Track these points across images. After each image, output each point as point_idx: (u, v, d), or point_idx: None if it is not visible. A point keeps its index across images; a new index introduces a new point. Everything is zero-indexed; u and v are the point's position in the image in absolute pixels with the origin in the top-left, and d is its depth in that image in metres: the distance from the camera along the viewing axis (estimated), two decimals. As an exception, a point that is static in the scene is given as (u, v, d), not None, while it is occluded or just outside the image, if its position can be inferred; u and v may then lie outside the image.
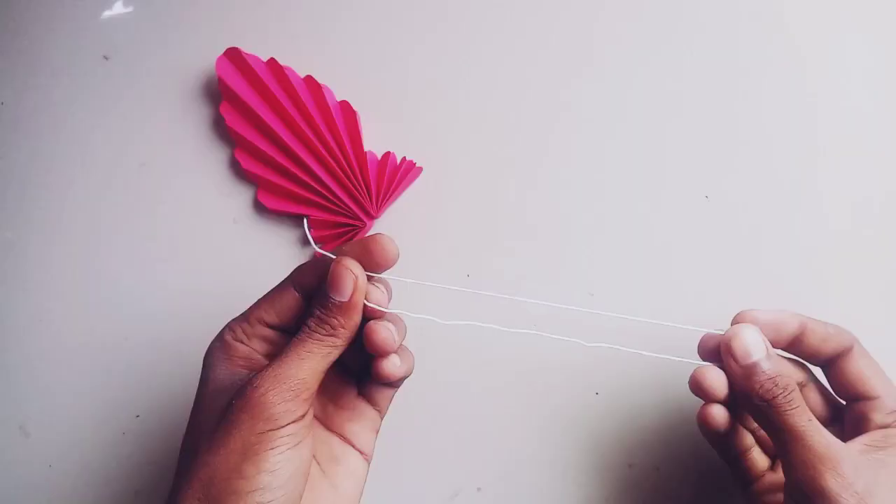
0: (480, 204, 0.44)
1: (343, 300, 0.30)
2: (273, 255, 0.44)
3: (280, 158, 0.43)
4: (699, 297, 0.43)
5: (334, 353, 0.30)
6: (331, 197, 0.43)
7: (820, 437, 0.30)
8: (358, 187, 0.43)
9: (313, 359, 0.29)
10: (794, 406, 0.30)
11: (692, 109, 0.44)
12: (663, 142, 0.44)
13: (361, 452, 0.34)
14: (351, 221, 0.43)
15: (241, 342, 0.32)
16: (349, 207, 0.43)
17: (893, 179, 0.44)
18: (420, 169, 0.44)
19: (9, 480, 0.43)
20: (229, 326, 0.32)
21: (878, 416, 0.32)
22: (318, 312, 0.30)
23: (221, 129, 0.45)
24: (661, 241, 0.43)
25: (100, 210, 0.45)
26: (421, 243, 0.44)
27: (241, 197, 0.45)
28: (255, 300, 0.33)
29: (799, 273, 0.43)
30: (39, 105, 0.46)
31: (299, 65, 0.44)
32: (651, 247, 0.43)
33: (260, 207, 0.44)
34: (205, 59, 0.45)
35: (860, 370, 0.33)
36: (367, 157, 0.43)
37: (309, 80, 0.43)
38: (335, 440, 0.33)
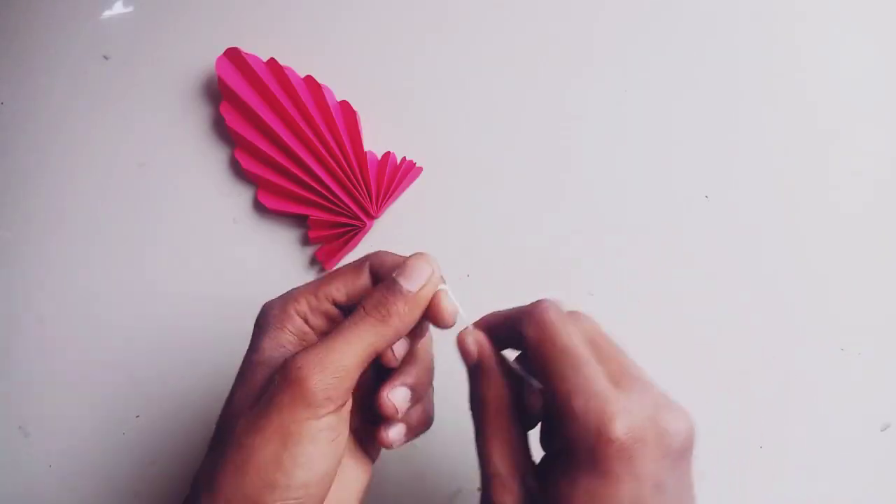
0: (480, 204, 0.44)
1: (411, 290, 0.28)
2: (273, 255, 0.44)
3: (280, 158, 0.43)
4: (699, 296, 0.43)
5: (381, 344, 0.28)
6: (331, 197, 0.43)
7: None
8: (358, 187, 0.43)
9: (360, 345, 0.27)
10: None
11: (692, 110, 0.44)
12: (663, 142, 0.44)
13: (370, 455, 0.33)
14: (351, 221, 0.43)
15: (303, 316, 0.30)
16: (349, 207, 0.43)
17: (893, 178, 0.44)
18: (420, 169, 0.44)
19: (9, 480, 0.43)
20: (293, 297, 0.30)
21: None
22: (377, 294, 0.28)
23: (221, 129, 0.45)
24: (661, 240, 0.43)
25: (99, 210, 0.45)
26: (421, 243, 0.44)
27: (241, 197, 0.45)
28: (320, 277, 0.31)
29: (799, 273, 0.43)
30: (39, 105, 0.46)
31: (299, 65, 0.44)
32: (651, 246, 0.43)
33: (260, 207, 0.44)
34: (205, 59, 0.45)
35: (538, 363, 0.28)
36: (367, 157, 0.43)
37: (309, 80, 0.43)
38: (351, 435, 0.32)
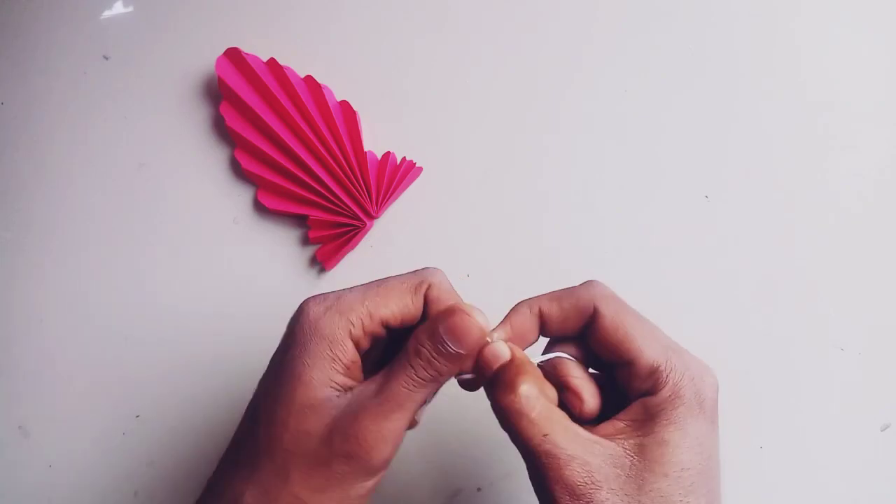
0: (480, 204, 0.44)
1: (461, 353, 0.28)
2: (273, 255, 0.44)
3: (280, 158, 0.43)
4: (699, 296, 0.43)
5: (425, 399, 0.28)
6: (331, 197, 0.43)
7: (554, 456, 0.26)
8: (358, 187, 0.43)
9: (413, 406, 0.27)
10: (521, 424, 0.27)
11: (692, 110, 0.44)
12: (663, 142, 0.44)
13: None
14: (351, 221, 0.43)
15: (356, 341, 0.28)
16: (349, 207, 0.43)
17: (893, 178, 0.44)
18: (420, 169, 0.44)
19: (9, 480, 0.43)
20: (349, 319, 0.28)
21: (636, 384, 0.28)
22: (426, 353, 0.27)
23: (221, 129, 0.45)
24: (661, 240, 0.43)
25: (99, 210, 0.45)
26: (421, 243, 0.44)
27: (241, 197, 0.45)
28: (372, 289, 0.29)
29: (799, 273, 0.43)
30: (39, 105, 0.46)
31: (299, 65, 0.44)
32: (651, 246, 0.43)
33: (260, 207, 0.44)
34: (205, 59, 0.45)
35: (607, 336, 0.29)
36: (367, 157, 0.43)
37: (309, 80, 0.43)
38: None
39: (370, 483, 0.28)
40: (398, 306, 0.29)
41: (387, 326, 0.29)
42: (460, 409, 0.42)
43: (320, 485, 0.26)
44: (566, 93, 0.45)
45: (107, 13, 0.46)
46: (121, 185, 0.45)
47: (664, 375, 0.27)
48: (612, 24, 0.45)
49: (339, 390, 0.28)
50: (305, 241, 0.44)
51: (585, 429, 0.28)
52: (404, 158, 0.44)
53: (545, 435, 0.27)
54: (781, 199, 0.44)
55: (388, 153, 0.43)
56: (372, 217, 0.43)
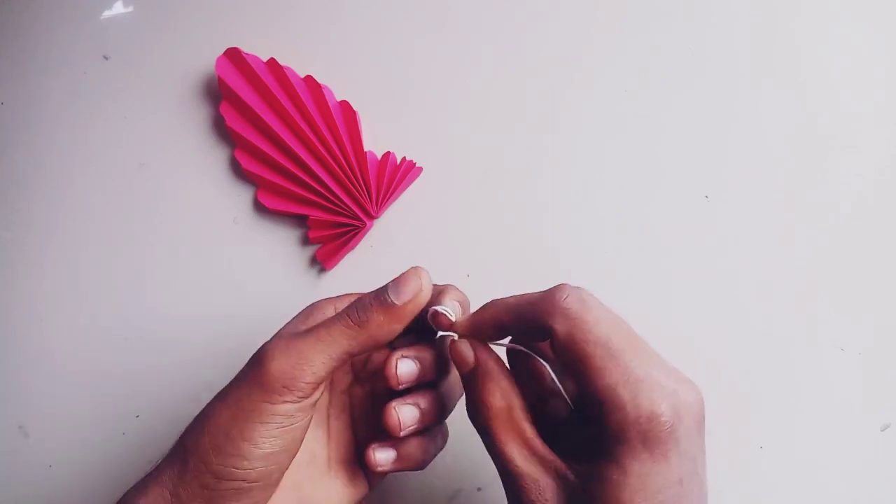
0: (480, 204, 0.44)
1: (395, 303, 0.28)
2: (273, 255, 0.44)
3: (280, 158, 0.43)
4: (699, 296, 0.43)
5: (355, 348, 0.28)
6: (331, 197, 0.43)
7: (508, 471, 0.27)
8: (358, 187, 0.43)
9: (331, 345, 0.28)
10: (490, 429, 0.28)
11: (692, 110, 0.44)
12: (663, 142, 0.44)
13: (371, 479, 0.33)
14: (351, 221, 0.43)
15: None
16: (349, 207, 0.43)
17: (893, 178, 0.44)
18: (420, 169, 0.44)
19: (9, 480, 0.43)
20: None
21: (587, 409, 0.27)
22: (364, 299, 0.29)
23: (221, 129, 0.45)
24: (661, 240, 0.43)
25: (99, 210, 0.45)
26: (421, 243, 0.44)
27: (241, 197, 0.45)
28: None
29: (799, 273, 0.43)
30: (39, 105, 0.46)
31: (299, 65, 0.44)
32: (651, 246, 0.43)
33: (260, 207, 0.44)
34: (205, 59, 0.45)
35: (559, 356, 0.27)
36: (367, 157, 0.43)
37: (309, 80, 0.43)
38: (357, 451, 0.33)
39: (269, 406, 0.27)
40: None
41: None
42: (460, 409, 0.42)
43: (222, 395, 0.28)
44: (566, 93, 0.45)
45: (107, 13, 0.46)
46: (121, 185, 0.45)
47: (611, 408, 0.25)
48: (612, 24, 0.45)
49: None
50: (305, 241, 0.44)
51: (546, 444, 0.28)
52: (404, 158, 0.44)
53: (504, 447, 0.28)
54: (781, 199, 0.44)
55: (388, 153, 0.43)
56: (372, 217, 0.43)
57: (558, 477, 0.27)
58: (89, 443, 0.43)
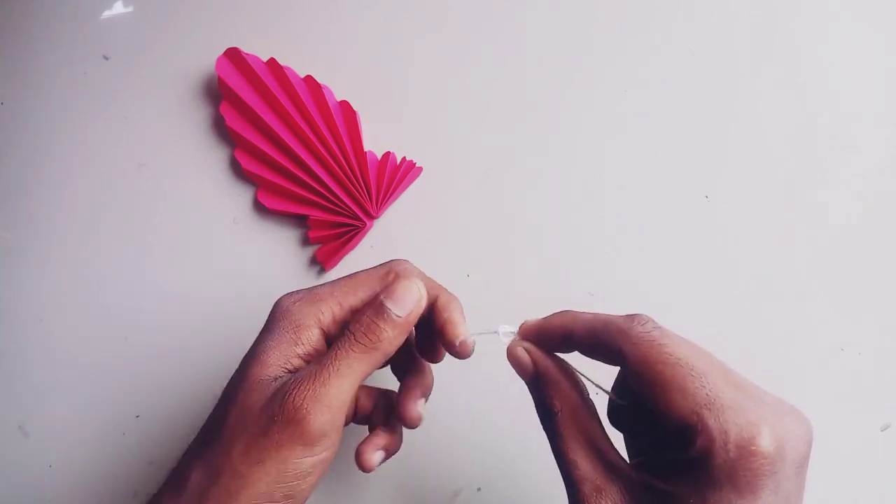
0: (480, 204, 0.44)
1: (400, 316, 0.29)
2: (273, 255, 0.44)
3: (280, 158, 0.43)
4: (699, 296, 0.43)
5: (371, 370, 0.29)
6: (331, 197, 0.43)
7: (583, 470, 0.26)
8: (358, 187, 0.43)
9: (353, 377, 0.28)
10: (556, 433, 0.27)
11: (692, 110, 0.44)
12: (663, 142, 0.44)
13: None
14: (351, 221, 0.43)
15: (324, 328, 0.29)
16: (349, 207, 0.43)
17: (893, 178, 0.44)
18: (420, 169, 0.44)
19: (9, 480, 0.43)
20: (318, 305, 0.29)
21: (667, 439, 0.25)
22: (367, 320, 0.29)
23: (221, 129, 0.45)
24: (661, 240, 0.43)
25: (99, 210, 0.45)
26: (421, 243, 0.44)
27: (241, 197, 0.45)
28: (342, 281, 0.31)
29: (799, 273, 0.43)
30: (39, 105, 0.46)
31: (299, 65, 0.44)
32: (651, 247, 0.43)
33: (260, 207, 0.44)
34: (205, 59, 0.45)
35: (632, 382, 0.26)
36: (367, 157, 0.43)
37: (309, 80, 0.43)
38: None
39: (310, 460, 0.27)
40: (366, 294, 0.30)
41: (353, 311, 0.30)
42: (460, 409, 0.42)
43: (258, 457, 0.26)
44: (566, 93, 0.45)
45: (107, 13, 0.46)
46: (121, 185, 0.45)
47: (694, 433, 0.23)
48: (612, 24, 0.45)
49: (292, 372, 0.28)
50: (305, 241, 0.44)
51: (632, 462, 0.27)
52: (404, 158, 0.44)
53: (568, 450, 0.27)
54: (781, 199, 0.44)
55: (388, 153, 0.43)
56: (372, 217, 0.43)
57: (629, 488, 0.25)
58: (89, 443, 0.43)
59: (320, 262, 0.44)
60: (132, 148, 0.45)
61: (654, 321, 0.26)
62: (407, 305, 0.29)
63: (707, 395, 0.23)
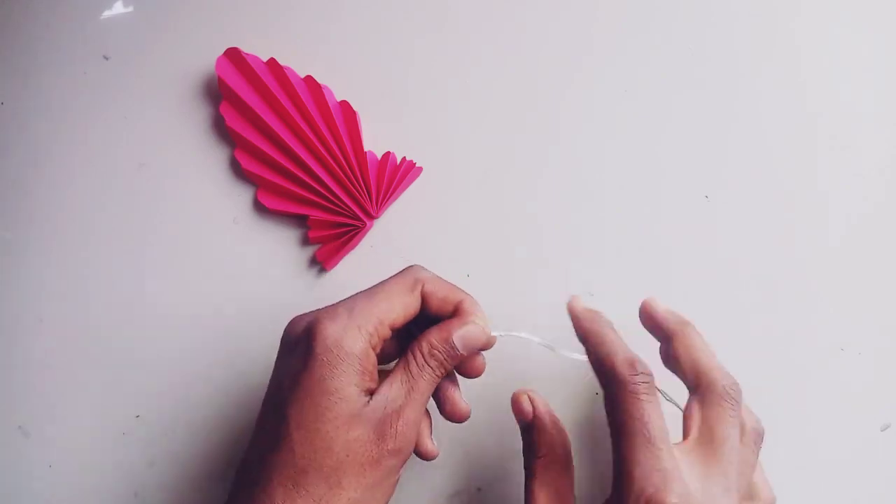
0: (480, 204, 0.44)
1: (465, 354, 0.33)
2: (273, 255, 0.44)
3: (280, 158, 0.43)
4: (699, 296, 0.43)
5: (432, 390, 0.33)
6: (331, 197, 0.43)
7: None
8: (358, 187, 0.43)
9: (424, 398, 0.32)
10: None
11: (692, 110, 0.44)
12: (663, 142, 0.44)
13: None
14: (351, 221, 0.43)
15: (374, 348, 0.32)
16: (349, 207, 0.43)
17: (893, 178, 0.44)
18: (420, 169, 0.44)
19: (9, 480, 0.43)
20: (367, 332, 0.31)
21: (700, 408, 0.32)
22: (437, 353, 0.32)
23: (221, 129, 0.45)
24: (662, 240, 0.43)
25: (99, 210, 0.45)
26: (421, 243, 0.44)
27: (241, 197, 0.45)
28: (376, 296, 0.33)
29: (799, 273, 0.43)
30: (39, 105, 0.46)
31: (299, 65, 0.44)
32: (651, 246, 0.43)
33: (260, 207, 0.44)
34: (205, 59, 0.45)
35: (677, 359, 0.34)
36: (367, 157, 0.43)
37: (309, 80, 0.43)
38: None
39: (398, 477, 0.32)
40: (402, 308, 0.33)
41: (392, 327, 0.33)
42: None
43: (373, 482, 0.30)
44: (566, 93, 0.45)
45: (107, 13, 0.46)
46: (121, 185, 0.45)
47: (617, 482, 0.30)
48: (612, 24, 0.45)
49: (368, 396, 0.31)
50: (305, 241, 0.44)
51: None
52: (404, 158, 0.44)
53: (534, 497, 0.33)
54: (781, 199, 0.44)
55: (388, 153, 0.43)
56: (372, 217, 0.43)
57: (682, 462, 0.30)
58: (89, 443, 0.43)
59: (320, 262, 0.44)
60: (132, 148, 0.45)
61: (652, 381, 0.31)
62: (474, 348, 0.33)
63: (646, 458, 0.30)
